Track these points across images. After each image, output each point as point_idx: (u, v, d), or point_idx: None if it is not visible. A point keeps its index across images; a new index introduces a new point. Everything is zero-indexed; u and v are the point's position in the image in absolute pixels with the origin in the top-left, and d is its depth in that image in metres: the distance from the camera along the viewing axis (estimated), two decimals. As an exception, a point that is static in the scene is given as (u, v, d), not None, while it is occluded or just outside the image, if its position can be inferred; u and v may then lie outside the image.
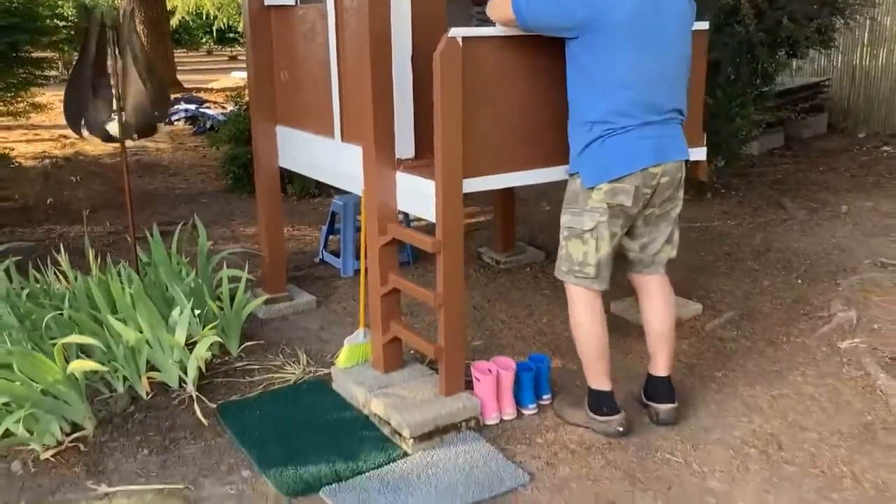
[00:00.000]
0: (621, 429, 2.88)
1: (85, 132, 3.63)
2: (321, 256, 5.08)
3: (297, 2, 3.62)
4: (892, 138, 8.48)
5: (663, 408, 2.95)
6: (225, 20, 17.37)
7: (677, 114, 2.86)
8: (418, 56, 3.03)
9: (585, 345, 2.91)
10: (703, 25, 3.50)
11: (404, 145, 3.09)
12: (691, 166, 3.58)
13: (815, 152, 8.01)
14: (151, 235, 3.84)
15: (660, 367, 2.99)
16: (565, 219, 2.90)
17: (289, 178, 6.84)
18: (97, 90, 3.53)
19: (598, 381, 2.92)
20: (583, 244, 2.84)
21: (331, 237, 5.12)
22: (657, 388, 2.98)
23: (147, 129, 3.67)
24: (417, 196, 2.97)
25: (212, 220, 6.09)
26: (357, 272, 4.76)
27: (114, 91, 3.57)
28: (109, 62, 3.58)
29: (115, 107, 3.58)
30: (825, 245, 5.06)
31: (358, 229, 5.04)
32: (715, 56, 5.64)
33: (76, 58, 3.59)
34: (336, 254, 4.95)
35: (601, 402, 2.92)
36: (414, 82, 3.06)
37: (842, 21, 5.72)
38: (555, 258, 3.00)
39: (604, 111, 2.73)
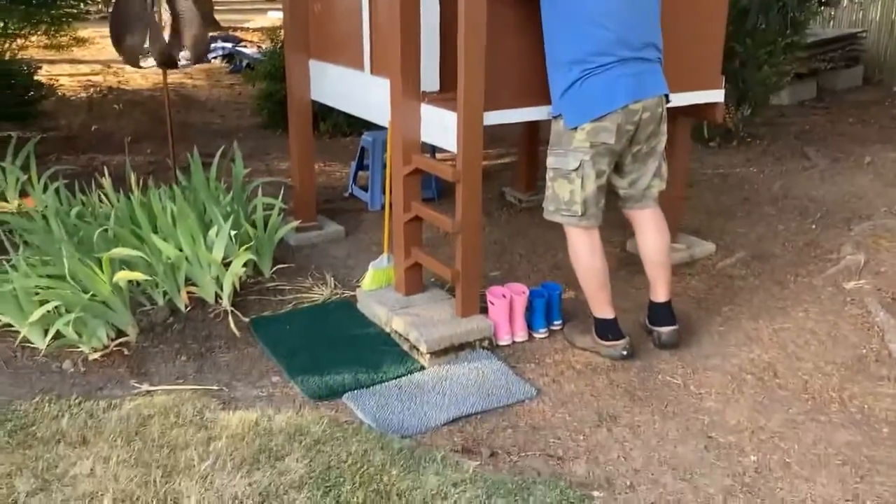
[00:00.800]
0: (625, 352, 3.07)
1: (144, 61, 3.82)
2: (350, 191, 5.27)
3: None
4: (927, 91, 8.42)
5: (665, 330, 3.12)
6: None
7: (654, 49, 2.95)
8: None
9: (586, 278, 3.08)
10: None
11: (430, 79, 3.24)
12: (707, 109, 3.70)
13: (846, 104, 7.98)
14: (192, 160, 4.05)
15: (659, 293, 3.16)
16: (550, 160, 3.03)
17: (321, 116, 7.02)
18: (150, 19, 3.72)
19: (602, 310, 3.10)
20: (569, 183, 2.96)
21: (360, 173, 5.30)
22: (658, 313, 3.16)
23: (202, 56, 3.87)
24: (441, 128, 3.13)
25: (247, 155, 6.26)
26: (384, 206, 4.94)
27: (166, 19, 3.75)
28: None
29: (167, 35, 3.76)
30: (843, 193, 5.14)
31: (385, 165, 5.24)
32: (743, 3, 5.67)
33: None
34: (365, 188, 5.13)
35: (606, 329, 3.10)
36: (441, 19, 3.20)
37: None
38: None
39: (580, 51, 2.84)
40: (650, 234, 3.16)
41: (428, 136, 3.25)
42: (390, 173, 3.42)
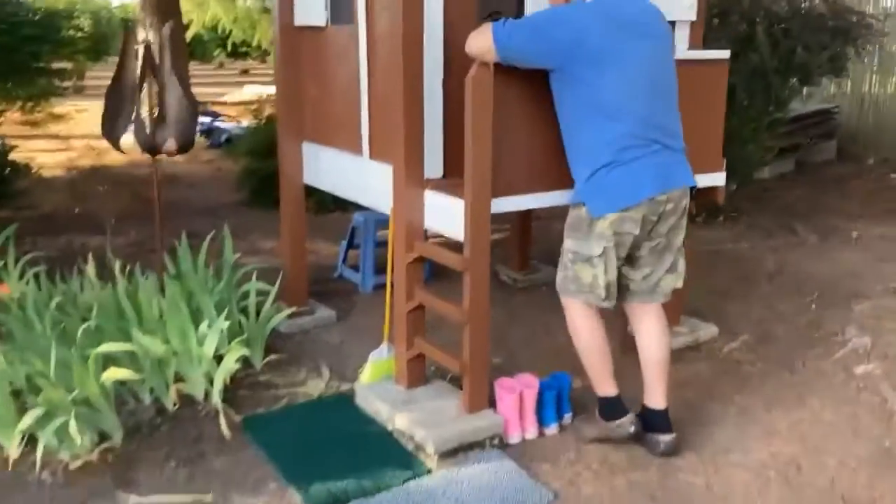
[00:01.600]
0: (633, 429, 2.93)
1: (126, 143, 3.69)
2: (340, 271, 5.13)
3: (327, 23, 3.69)
4: (902, 165, 8.56)
5: (666, 438, 2.93)
6: (240, 34, 17.47)
7: (678, 137, 2.89)
8: (449, 77, 3.10)
9: (588, 354, 2.96)
10: (724, 54, 3.58)
11: (433, 165, 3.15)
12: (710, 191, 3.65)
13: (825, 178, 8.07)
14: (179, 244, 3.89)
15: (659, 399, 2.97)
16: (569, 243, 2.92)
17: (307, 191, 6.90)
18: (139, 103, 3.61)
19: (605, 387, 2.97)
20: (591, 268, 2.85)
21: (350, 252, 5.17)
22: (657, 420, 2.97)
23: (189, 144, 3.75)
24: (445, 214, 3.03)
25: (231, 233, 6.14)
26: (376, 288, 4.82)
27: (151, 104, 3.64)
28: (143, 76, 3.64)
29: (148, 119, 3.64)
30: (837, 270, 5.11)
31: (378, 245, 5.11)
32: (730, 82, 5.71)
33: (115, 71, 3.66)
34: (355, 269, 5.00)
35: (611, 408, 2.97)
36: (445, 103, 3.13)
37: (853, 51, 5.79)
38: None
39: (605, 139, 2.75)
40: (654, 332, 3.01)
41: (432, 222, 3.14)
42: (391, 259, 3.29)
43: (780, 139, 7.00)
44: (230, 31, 18.34)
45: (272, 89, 19.21)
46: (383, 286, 4.88)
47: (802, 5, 5.48)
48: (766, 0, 5.42)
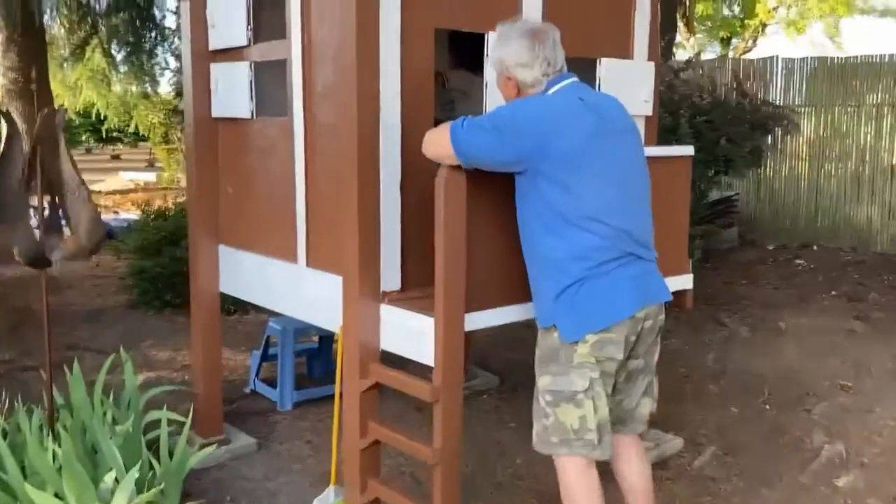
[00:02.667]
0: None
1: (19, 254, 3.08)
2: (253, 386, 4.55)
3: (252, 115, 3.26)
4: (801, 250, 8.77)
5: None
6: (115, 120, 16.66)
7: (651, 248, 2.54)
8: (405, 177, 2.73)
9: None
10: (688, 150, 3.38)
11: (390, 276, 2.73)
12: (676, 297, 3.38)
13: (732, 265, 8.13)
14: (71, 375, 3.27)
15: None
16: (545, 381, 2.46)
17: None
18: (31, 210, 3.03)
19: None
20: (576, 408, 2.42)
21: (263, 364, 4.61)
22: None
23: (97, 248, 3.17)
24: (407, 333, 2.61)
25: (118, 343, 5.45)
26: (297, 405, 4.28)
27: (46, 208, 3.06)
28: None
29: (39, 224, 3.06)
30: (778, 367, 4.96)
31: (299, 353, 4.60)
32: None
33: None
34: (270, 384, 4.44)
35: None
36: (402, 206, 2.74)
37: (771, 142, 5.85)
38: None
39: (577, 250, 2.37)
40: (636, 460, 2.65)
41: (389, 342, 2.70)
42: (340, 385, 2.82)
43: (693, 228, 6.98)
44: (105, 117, 17.52)
45: (150, 176, 18.46)
46: (305, 403, 4.42)
47: (722, 98, 5.48)
48: (689, 92, 5.38)
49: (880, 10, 21.10)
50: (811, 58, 9.08)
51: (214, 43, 3.40)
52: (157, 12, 12.34)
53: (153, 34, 12.04)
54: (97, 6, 12.08)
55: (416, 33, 2.69)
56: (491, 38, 2.80)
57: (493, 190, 2.55)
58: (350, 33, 2.56)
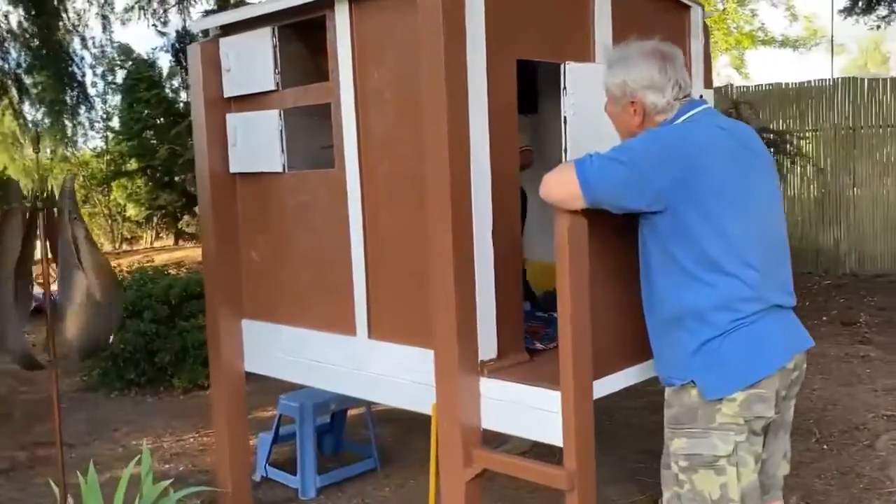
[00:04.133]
0: None
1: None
2: (264, 473, 4.04)
3: (284, 168, 2.86)
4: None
5: None
6: (30, 185, 15.69)
7: (792, 294, 2.25)
8: (496, 229, 2.38)
9: None
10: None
11: (486, 342, 2.36)
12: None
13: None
14: (85, 482, 2.74)
15: None
16: (681, 443, 2.16)
17: (172, 372, 5.73)
18: (22, 300, 2.53)
19: None
20: (717, 475, 2.09)
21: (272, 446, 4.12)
22: None
23: (97, 347, 2.68)
24: (518, 409, 2.25)
25: (88, 434, 4.88)
26: (321, 491, 3.80)
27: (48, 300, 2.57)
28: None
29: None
30: (814, 399, 4.76)
31: (324, 432, 4.16)
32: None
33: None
34: (283, 467, 3.95)
35: None
36: (496, 263, 2.38)
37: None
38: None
39: (723, 298, 2.08)
40: None
41: (494, 420, 2.32)
42: (434, 477, 2.41)
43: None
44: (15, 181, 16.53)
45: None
46: (330, 487, 3.94)
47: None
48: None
49: (779, 40, 22.07)
50: (766, 84, 9.20)
51: (231, 89, 2.99)
52: (76, 70, 11.71)
53: (75, 93, 11.36)
54: (6, 65, 11.40)
55: (500, 67, 2.37)
56: (571, 68, 2.50)
57: (613, 236, 2.23)
58: (436, 71, 2.21)
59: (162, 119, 6.64)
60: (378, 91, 2.52)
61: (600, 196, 2.08)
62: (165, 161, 6.47)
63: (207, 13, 11.24)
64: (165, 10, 13.21)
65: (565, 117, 2.58)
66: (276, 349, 3.01)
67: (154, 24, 11.85)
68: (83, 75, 11.90)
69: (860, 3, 9.21)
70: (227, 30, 2.98)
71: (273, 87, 2.83)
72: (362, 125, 2.57)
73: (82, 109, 11.45)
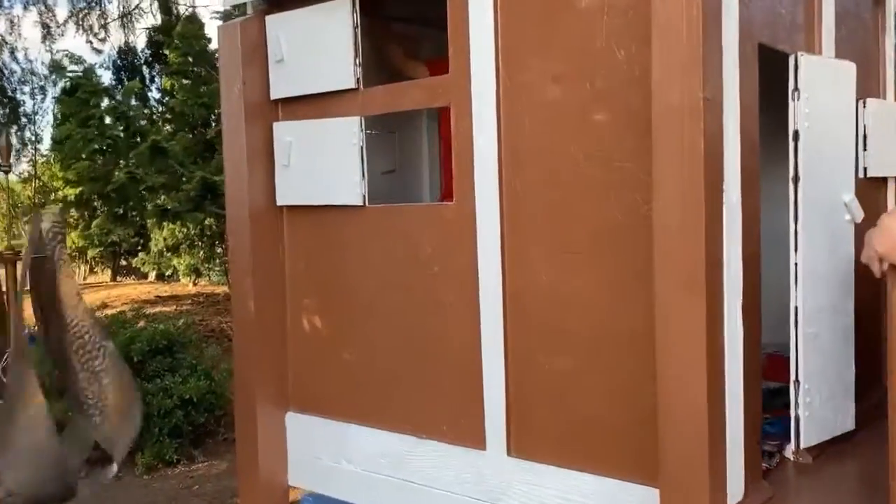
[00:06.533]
0: None
1: None
2: None
3: (364, 200, 1.98)
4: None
5: None
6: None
7: None
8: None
9: None
10: None
11: (733, 476, 1.52)
12: None
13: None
14: None
15: None
16: None
17: (133, 446, 4.68)
18: None
19: None
20: None
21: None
22: None
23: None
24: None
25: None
26: None
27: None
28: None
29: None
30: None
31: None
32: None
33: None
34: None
35: None
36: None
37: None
38: None
39: None
40: None
41: None
42: None
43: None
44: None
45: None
46: None
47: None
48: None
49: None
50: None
51: (284, 87, 2.11)
52: (6, 84, 10.50)
53: (6, 110, 10.16)
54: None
55: (747, 56, 1.57)
56: (806, 61, 1.73)
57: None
58: (691, 58, 1.38)
59: (119, 137, 5.71)
60: (537, 87, 1.68)
61: None
62: (121, 188, 5.52)
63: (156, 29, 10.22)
64: (104, 25, 12.15)
65: (796, 131, 1.78)
66: (342, 457, 2.10)
67: (89, 41, 10.81)
68: (14, 90, 10.72)
69: None
70: (278, 3, 2.10)
71: (353, 85, 1.96)
72: (507, 138, 1.73)
73: (14, 129, 10.25)
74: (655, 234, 1.43)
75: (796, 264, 1.76)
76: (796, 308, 1.76)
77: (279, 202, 2.14)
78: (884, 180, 2.30)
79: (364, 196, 1.99)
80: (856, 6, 2.18)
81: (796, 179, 1.76)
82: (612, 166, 1.58)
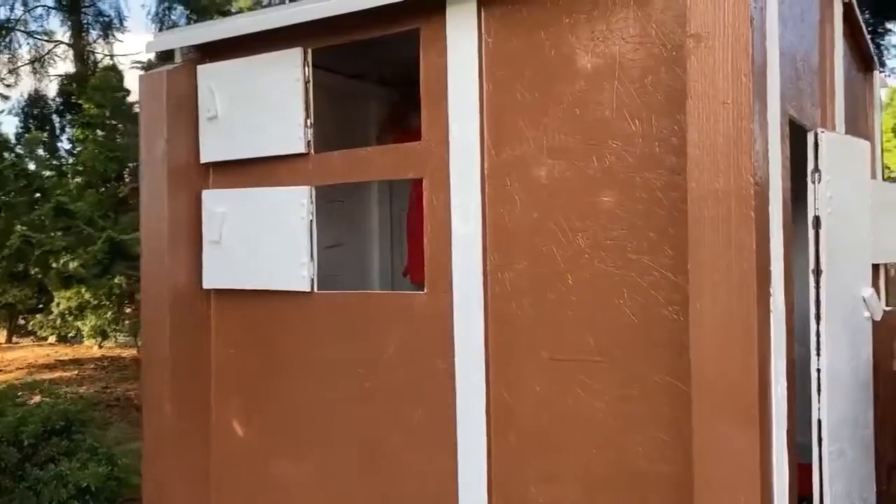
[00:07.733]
0: None
1: None
2: None
3: (312, 285, 1.65)
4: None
5: None
6: None
7: None
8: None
9: None
10: None
11: None
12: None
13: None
14: None
15: None
16: None
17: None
18: None
19: None
20: None
21: None
22: None
23: None
24: None
25: None
26: None
27: None
28: None
29: None
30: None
31: None
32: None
33: None
34: None
35: None
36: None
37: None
38: None
39: None
40: None
41: None
42: None
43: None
44: None
45: None
46: None
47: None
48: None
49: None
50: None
51: (216, 149, 1.77)
52: None
53: None
54: None
55: (784, 132, 1.33)
56: (827, 139, 1.51)
57: None
58: (739, 133, 1.13)
59: (18, 197, 5.19)
60: (530, 160, 1.41)
61: None
62: (18, 251, 5.00)
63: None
64: (14, 70, 11.53)
65: (817, 217, 1.55)
66: None
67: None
68: None
69: None
70: (212, 51, 1.78)
71: (302, 150, 1.65)
72: (493, 219, 1.44)
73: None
74: (693, 350, 1.15)
75: (819, 370, 1.51)
76: (819, 421, 1.50)
77: (206, 284, 1.79)
78: (876, 268, 2.12)
79: (312, 280, 1.66)
80: (850, 81, 2.01)
81: (818, 272, 1.52)
82: (625, 258, 1.31)
